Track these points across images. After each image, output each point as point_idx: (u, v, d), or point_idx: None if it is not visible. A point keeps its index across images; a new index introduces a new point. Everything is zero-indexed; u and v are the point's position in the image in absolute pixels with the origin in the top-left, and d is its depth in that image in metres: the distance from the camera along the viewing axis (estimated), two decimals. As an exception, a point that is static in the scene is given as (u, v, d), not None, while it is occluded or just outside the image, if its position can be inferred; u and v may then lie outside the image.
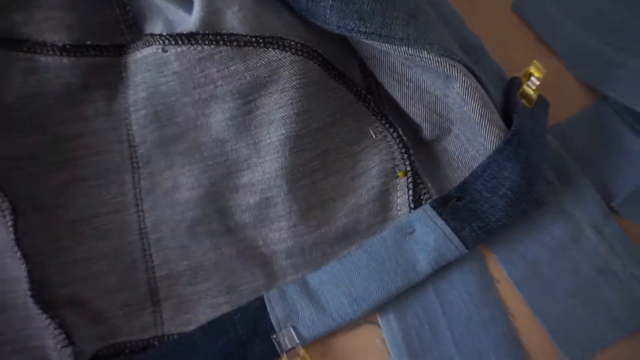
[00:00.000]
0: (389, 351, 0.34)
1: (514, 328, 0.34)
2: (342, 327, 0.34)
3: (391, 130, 0.38)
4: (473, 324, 0.34)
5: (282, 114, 0.35)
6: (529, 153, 0.34)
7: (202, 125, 0.36)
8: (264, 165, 0.36)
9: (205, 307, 0.35)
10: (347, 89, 0.38)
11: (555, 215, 0.35)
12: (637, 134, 0.38)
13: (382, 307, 0.34)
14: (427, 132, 0.38)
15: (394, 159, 0.38)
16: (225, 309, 0.35)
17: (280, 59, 0.34)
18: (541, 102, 0.37)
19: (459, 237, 0.34)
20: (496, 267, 0.35)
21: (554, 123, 0.39)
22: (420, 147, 0.39)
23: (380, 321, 0.34)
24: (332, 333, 0.34)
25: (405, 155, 0.37)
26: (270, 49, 0.34)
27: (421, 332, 0.34)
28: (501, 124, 0.34)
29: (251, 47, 0.34)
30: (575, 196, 0.36)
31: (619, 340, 0.32)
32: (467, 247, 0.34)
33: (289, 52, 0.34)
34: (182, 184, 0.37)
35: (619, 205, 0.36)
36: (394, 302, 0.34)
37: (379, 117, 0.38)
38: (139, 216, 0.37)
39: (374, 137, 0.38)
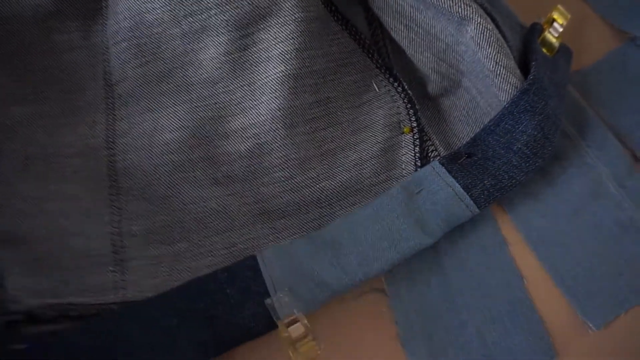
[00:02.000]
0: (396, 319, 0.30)
1: (529, 292, 0.31)
2: (345, 294, 0.30)
3: (396, 84, 0.35)
4: (486, 288, 0.31)
5: (282, 49, 0.32)
6: (547, 104, 0.32)
7: (192, 62, 0.32)
8: (259, 107, 0.32)
9: (182, 271, 0.30)
10: (350, 36, 0.35)
11: (575, 170, 0.33)
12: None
13: (389, 273, 0.31)
14: (434, 84, 0.35)
15: (399, 114, 0.35)
16: (205, 273, 0.30)
17: None
18: (563, 51, 0.35)
19: (471, 196, 0.31)
20: (510, 227, 0.33)
21: (575, 70, 0.37)
22: (427, 103, 0.36)
23: (387, 288, 0.31)
24: (334, 300, 0.30)
25: (411, 110, 0.35)
26: None
27: (431, 298, 0.31)
28: (518, 72, 0.32)
29: None
30: (597, 149, 0.34)
31: (644, 301, 0.30)
32: (479, 207, 0.31)
33: None
34: (164, 126, 0.32)
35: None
36: (402, 266, 0.31)
37: (382, 70, 0.35)
38: (109, 161, 0.32)
39: (377, 90, 0.35)
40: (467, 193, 0.31)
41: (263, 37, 0.32)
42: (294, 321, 0.27)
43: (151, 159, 0.32)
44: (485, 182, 0.32)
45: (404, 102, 0.35)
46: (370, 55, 0.35)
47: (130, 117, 0.33)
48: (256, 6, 0.31)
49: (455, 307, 0.30)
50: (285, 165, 0.32)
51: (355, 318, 0.30)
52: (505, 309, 0.30)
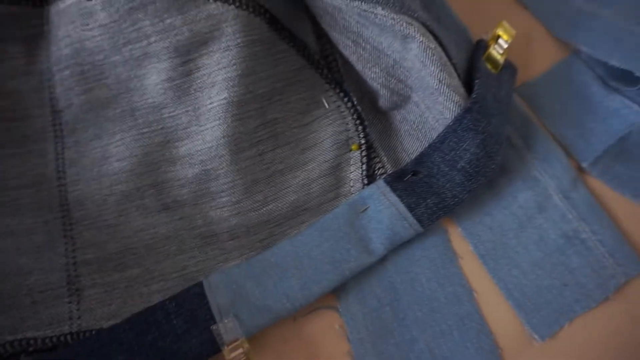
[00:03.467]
0: (348, 336, 0.30)
1: (478, 305, 0.31)
2: (297, 313, 0.30)
3: (345, 99, 0.35)
4: (436, 302, 0.31)
5: (225, 76, 0.32)
6: (490, 123, 0.32)
7: (136, 88, 0.32)
8: (205, 134, 0.32)
9: (134, 296, 0.31)
10: (298, 53, 0.35)
11: (521, 182, 0.33)
12: (609, 90, 0.37)
13: (340, 289, 0.31)
14: (385, 99, 0.35)
15: (348, 130, 0.35)
16: (157, 298, 0.30)
17: (223, 13, 0.31)
18: (508, 68, 0.35)
19: (414, 215, 0.32)
20: (460, 240, 0.33)
21: (522, 82, 0.37)
22: (377, 117, 0.36)
23: (338, 305, 0.31)
24: (286, 320, 0.30)
25: (360, 127, 0.35)
26: (211, 0, 0.31)
27: (382, 314, 0.31)
28: (461, 90, 0.32)
29: None
30: (543, 161, 0.34)
31: (587, 311, 0.31)
32: (422, 226, 0.32)
33: (232, 5, 0.31)
34: (113, 154, 0.32)
35: (590, 165, 0.34)
36: (352, 283, 0.31)
37: (332, 85, 0.35)
38: (60, 191, 0.32)
39: (327, 106, 0.35)
40: (411, 212, 0.32)
41: (206, 62, 0.32)
42: (238, 346, 0.28)
43: (101, 190, 0.32)
44: (429, 200, 0.32)
45: (353, 118, 0.35)
46: (319, 71, 0.35)
47: (78, 145, 0.33)
48: (196, 32, 0.31)
49: (406, 323, 0.31)
50: (232, 191, 0.32)
51: (306, 335, 0.31)
52: (455, 323, 0.31)
